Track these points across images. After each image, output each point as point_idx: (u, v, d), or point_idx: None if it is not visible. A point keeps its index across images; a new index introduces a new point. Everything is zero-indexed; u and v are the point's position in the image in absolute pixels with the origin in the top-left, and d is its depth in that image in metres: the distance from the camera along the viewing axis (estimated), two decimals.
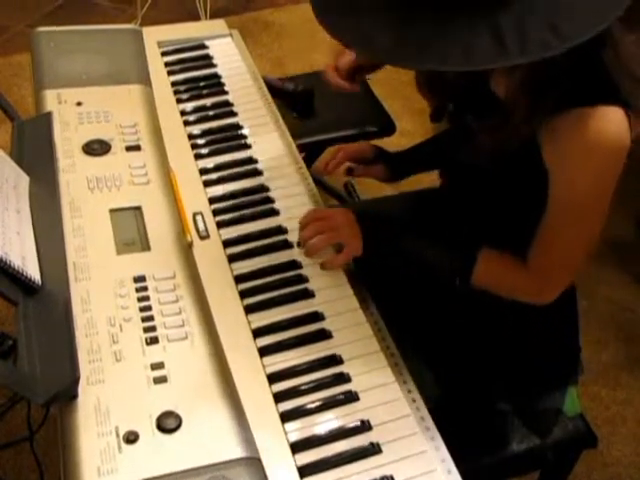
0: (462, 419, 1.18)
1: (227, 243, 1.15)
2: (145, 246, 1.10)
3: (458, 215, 1.26)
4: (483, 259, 1.11)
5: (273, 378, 0.97)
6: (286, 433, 0.92)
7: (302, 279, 1.11)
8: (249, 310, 1.06)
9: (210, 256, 1.12)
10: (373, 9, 0.89)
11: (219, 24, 1.67)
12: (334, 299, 1.09)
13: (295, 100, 1.81)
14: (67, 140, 1.27)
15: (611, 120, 0.95)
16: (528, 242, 1.08)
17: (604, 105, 0.95)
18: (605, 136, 0.95)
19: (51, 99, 1.35)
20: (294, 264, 1.13)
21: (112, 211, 1.15)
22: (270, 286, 1.10)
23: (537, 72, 0.95)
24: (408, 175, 1.37)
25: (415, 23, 0.85)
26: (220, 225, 1.18)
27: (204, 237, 1.15)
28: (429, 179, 1.43)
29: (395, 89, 2.38)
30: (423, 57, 0.84)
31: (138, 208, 1.16)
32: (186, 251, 1.11)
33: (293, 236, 1.17)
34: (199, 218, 1.18)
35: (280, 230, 1.19)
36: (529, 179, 1.04)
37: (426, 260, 1.16)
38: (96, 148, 1.26)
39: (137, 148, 1.28)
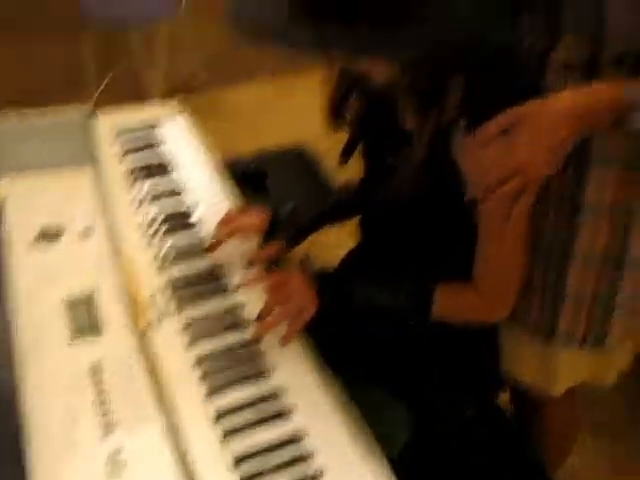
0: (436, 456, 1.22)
1: (184, 325, 1.14)
2: (99, 332, 1.09)
3: (395, 259, 1.29)
4: (438, 293, 1.16)
5: (237, 460, 0.95)
6: None
7: (261, 355, 1.10)
8: (209, 393, 1.04)
9: (167, 339, 1.11)
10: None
11: (171, 106, 1.71)
12: (293, 374, 1.08)
13: (248, 179, 1.83)
14: (19, 227, 1.26)
15: None
16: (467, 265, 1.15)
17: None
18: None
19: (3, 186, 1.35)
20: (254, 341, 1.13)
21: (65, 299, 1.14)
22: (230, 366, 1.09)
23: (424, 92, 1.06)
24: (305, 238, 1.39)
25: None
26: (176, 307, 1.17)
27: (160, 320, 1.14)
28: None
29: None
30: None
31: (92, 294, 1.15)
32: (142, 335, 1.10)
33: (251, 312, 1.17)
34: (154, 301, 1.17)
35: (238, 307, 1.19)
36: (456, 201, 1.10)
37: (384, 307, 1.20)
38: (49, 235, 1.25)
39: (90, 233, 1.27)
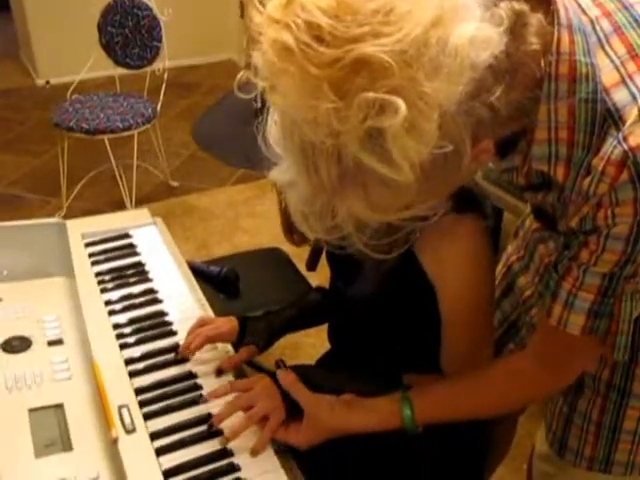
0: None
1: (154, 435, 1.11)
2: (67, 446, 1.05)
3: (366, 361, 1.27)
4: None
5: None
6: None
7: (234, 469, 1.07)
8: None
9: (137, 451, 1.08)
10: None
11: (142, 213, 1.72)
12: None
13: (221, 283, 1.84)
14: None
15: (475, 226, 1.08)
16: (435, 352, 1.15)
17: (466, 213, 1.07)
18: (475, 239, 1.08)
19: None
20: (225, 452, 1.10)
21: (31, 411, 1.10)
22: (200, 478, 1.05)
23: None
24: (277, 340, 1.37)
25: None
26: (147, 417, 1.14)
27: (130, 431, 1.11)
28: None
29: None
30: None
31: (60, 406, 1.12)
32: (111, 447, 1.07)
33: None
34: (124, 411, 1.14)
35: (210, 418, 1.16)
36: (419, 296, 1.12)
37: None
38: (16, 345, 1.23)
39: (59, 342, 1.25)
